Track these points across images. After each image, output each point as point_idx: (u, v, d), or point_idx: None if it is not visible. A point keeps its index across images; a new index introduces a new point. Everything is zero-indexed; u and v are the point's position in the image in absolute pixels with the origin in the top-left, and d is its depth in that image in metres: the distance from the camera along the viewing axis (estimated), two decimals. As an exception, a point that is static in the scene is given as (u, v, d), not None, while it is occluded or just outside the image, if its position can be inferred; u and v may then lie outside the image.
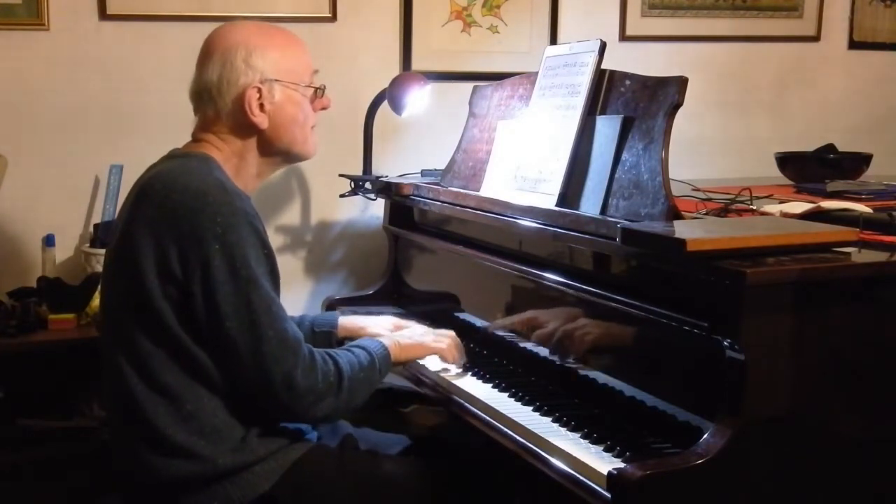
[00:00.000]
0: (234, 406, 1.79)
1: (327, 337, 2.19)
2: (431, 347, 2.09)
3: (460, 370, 2.12)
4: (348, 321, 2.25)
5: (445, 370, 2.12)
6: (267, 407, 1.80)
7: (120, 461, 1.85)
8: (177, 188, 1.75)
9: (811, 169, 2.70)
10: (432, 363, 2.14)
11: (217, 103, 1.88)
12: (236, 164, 1.91)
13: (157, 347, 1.75)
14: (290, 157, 1.99)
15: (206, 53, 1.90)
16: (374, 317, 2.31)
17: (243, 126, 1.89)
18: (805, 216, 1.96)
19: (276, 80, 1.88)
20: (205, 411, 1.77)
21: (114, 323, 1.83)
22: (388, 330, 2.19)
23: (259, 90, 1.87)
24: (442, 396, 2.08)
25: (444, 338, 2.11)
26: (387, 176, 2.87)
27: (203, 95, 1.89)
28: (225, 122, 1.89)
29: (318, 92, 1.97)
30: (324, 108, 2.00)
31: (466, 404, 1.99)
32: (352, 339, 2.21)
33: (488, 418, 1.91)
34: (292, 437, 1.89)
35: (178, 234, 1.72)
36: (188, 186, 1.75)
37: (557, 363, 2.03)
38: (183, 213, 1.72)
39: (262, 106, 1.88)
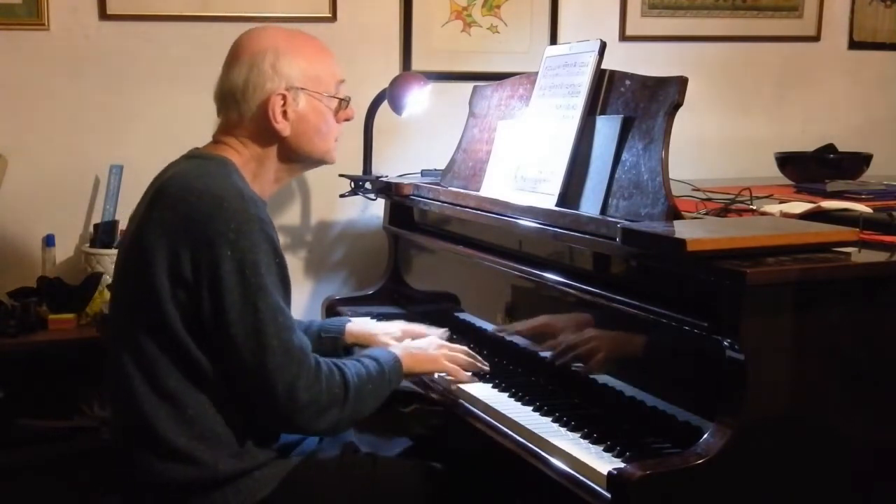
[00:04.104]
0: (236, 412, 1.77)
1: (333, 343, 2.17)
2: (444, 366, 2.06)
3: (474, 380, 2.08)
4: (356, 327, 2.23)
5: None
6: (268, 418, 1.77)
7: (121, 463, 1.84)
8: (194, 192, 1.73)
9: (811, 169, 2.70)
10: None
11: (241, 107, 1.85)
12: (255, 168, 1.88)
13: (162, 351, 1.74)
14: (308, 164, 1.98)
15: (235, 56, 1.88)
16: (383, 322, 2.29)
17: (265, 132, 1.86)
18: (805, 216, 1.96)
19: (302, 89, 1.86)
20: (206, 417, 1.75)
21: (121, 323, 1.82)
22: (396, 336, 2.17)
23: (284, 97, 1.84)
24: (443, 397, 2.08)
25: (457, 355, 2.08)
26: (387, 176, 2.87)
27: (227, 98, 1.87)
28: (247, 126, 1.87)
29: (343, 103, 1.94)
30: (347, 120, 1.97)
31: (467, 404, 1.99)
32: (359, 345, 2.20)
33: (488, 418, 1.92)
34: (293, 442, 1.88)
35: (191, 239, 1.70)
36: (205, 191, 1.73)
37: (557, 363, 2.03)
38: (198, 217, 1.71)
39: (285, 113, 1.85)
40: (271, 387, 1.71)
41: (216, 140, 1.91)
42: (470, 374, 2.07)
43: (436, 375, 2.10)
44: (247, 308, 1.70)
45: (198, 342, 1.73)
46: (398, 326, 2.24)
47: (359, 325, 2.25)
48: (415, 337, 2.18)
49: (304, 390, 1.72)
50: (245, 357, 1.71)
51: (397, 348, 2.02)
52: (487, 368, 2.09)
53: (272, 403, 1.73)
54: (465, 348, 2.12)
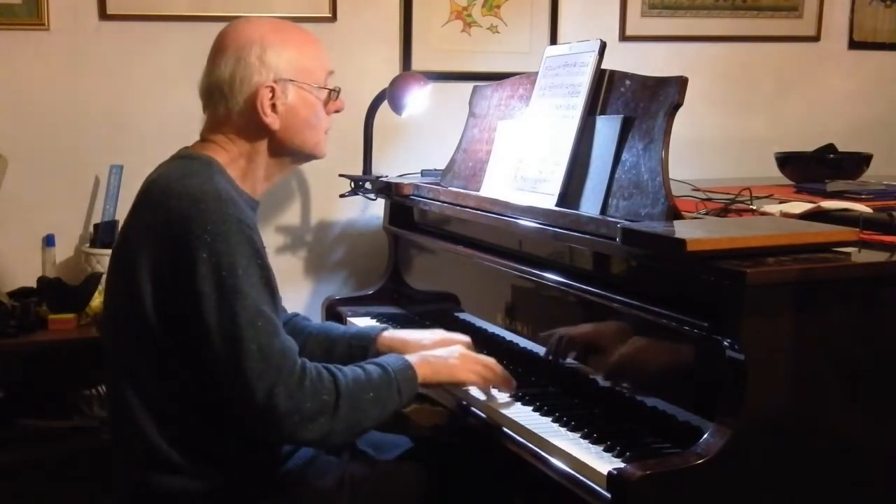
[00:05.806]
0: (226, 422, 1.71)
1: (364, 352, 2.02)
2: (466, 379, 1.92)
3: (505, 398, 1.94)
4: (389, 335, 2.07)
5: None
6: (251, 427, 1.70)
7: (118, 469, 1.83)
8: (173, 194, 1.69)
9: (811, 169, 2.70)
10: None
11: (228, 101, 1.81)
12: (244, 166, 1.84)
13: (148, 360, 1.71)
14: (299, 158, 1.92)
15: (220, 49, 1.82)
16: (421, 331, 2.15)
17: (253, 126, 1.82)
18: (805, 216, 1.96)
19: (291, 80, 1.81)
20: (195, 428, 1.72)
21: (113, 329, 1.80)
22: (429, 345, 2.01)
23: (272, 90, 1.79)
24: (442, 397, 2.08)
25: (484, 368, 1.93)
26: (387, 176, 2.87)
27: (214, 93, 1.82)
28: (235, 121, 1.82)
29: (333, 94, 1.89)
30: (337, 111, 1.92)
31: (466, 404, 1.99)
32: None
33: (488, 419, 1.91)
34: (291, 450, 1.86)
35: (171, 242, 1.67)
36: (184, 193, 1.69)
37: (557, 363, 2.03)
38: (176, 219, 1.67)
39: (273, 106, 1.80)
40: (249, 394, 1.63)
41: (203, 138, 1.87)
42: (496, 390, 1.95)
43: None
44: (224, 312, 1.63)
45: (182, 350, 1.68)
46: (435, 336, 2.08)
47: (393, 333, 2.10)
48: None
49: (285, 397, 1.64)
50: (222, 363, 1.64)
51: (415, 356, 1.88)
52: (514, 387, 1.95)
53: (252, 411, 1.65)
54: (493, 360, 1.96)
